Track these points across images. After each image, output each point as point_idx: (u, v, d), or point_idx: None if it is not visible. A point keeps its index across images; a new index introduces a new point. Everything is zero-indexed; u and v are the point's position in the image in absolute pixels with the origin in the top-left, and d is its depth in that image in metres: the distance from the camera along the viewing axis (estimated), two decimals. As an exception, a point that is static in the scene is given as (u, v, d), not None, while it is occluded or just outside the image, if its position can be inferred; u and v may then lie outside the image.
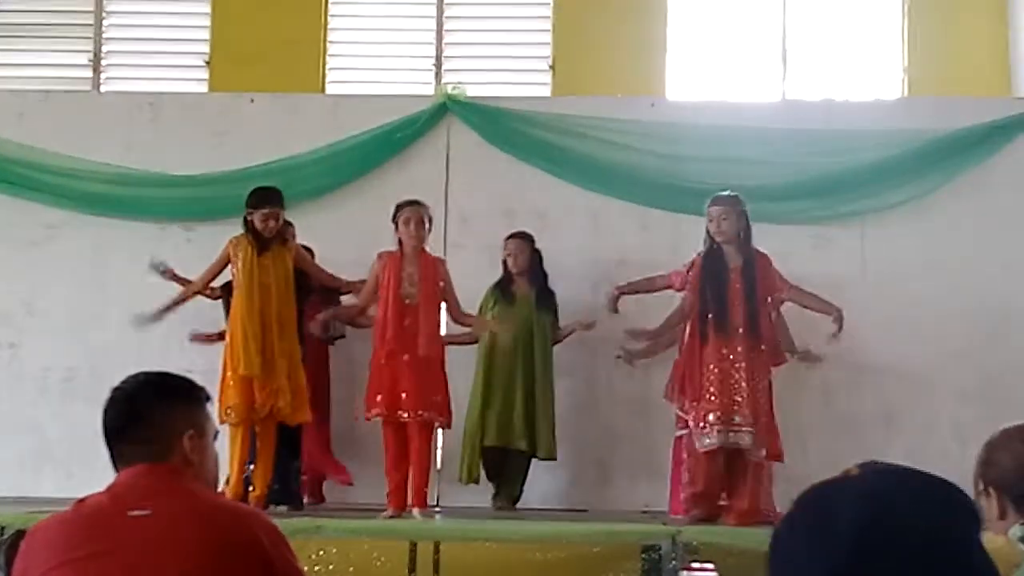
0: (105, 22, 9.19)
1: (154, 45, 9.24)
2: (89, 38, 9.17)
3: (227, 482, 5.98)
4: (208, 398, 2.58)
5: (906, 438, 7.01)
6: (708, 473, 5.87)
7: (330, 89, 8.96)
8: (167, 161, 7.50)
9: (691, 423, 5.94)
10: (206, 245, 6.67)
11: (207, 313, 6.71)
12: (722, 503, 5.89)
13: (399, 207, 6.20)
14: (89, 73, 9.11)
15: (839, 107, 7.79)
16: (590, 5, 8.92)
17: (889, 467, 1.44)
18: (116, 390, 2.51)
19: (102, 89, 9.02)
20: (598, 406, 7.17)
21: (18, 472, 7.18)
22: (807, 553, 1.38)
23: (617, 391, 7.06)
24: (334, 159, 7.48)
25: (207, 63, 9.10)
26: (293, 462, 6.47)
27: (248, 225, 6.20)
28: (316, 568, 5.65)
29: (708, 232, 6.04)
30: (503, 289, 6.81)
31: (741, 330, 5.86)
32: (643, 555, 5.33)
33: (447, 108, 7.49)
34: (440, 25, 9.07)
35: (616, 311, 6.40)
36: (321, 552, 5.72)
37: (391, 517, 5.95)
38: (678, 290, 6.22)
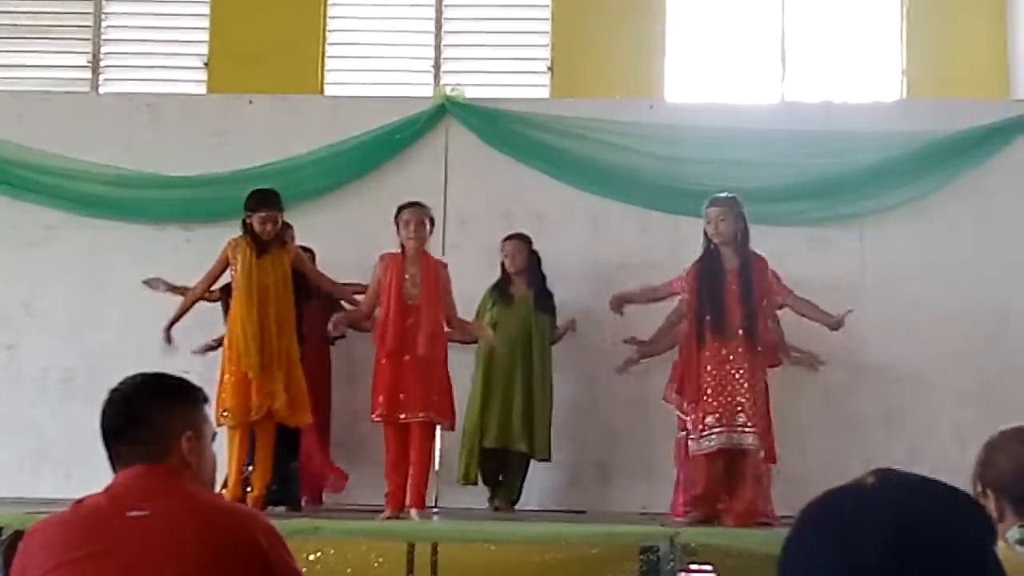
0: (104, 23, 9.20)
1: (153, 46, 9.25)
2: (88, 39, 9.17)
3: (225, 484, 5.98)
4: (206, 399, 2.58)
5: (905, 439, 7.00)
6: (708, 475, 5.87)
7: (329, 90, 8.96)
8: (166, 162, 7.50)
9: (690, 426, 5.95)
10: (205, 246, 6.66)
11: (206, 315, 6.71)
12: (721, 506, 5.88)
13: (400, 209, 6.20)
14: (88, 74, 9.12)
15: (838, 109, 7.79)
16: (589, 7, 8.93)
17: (906, 477, 1.42)
18: (114, 391, 2.51)
19: (101, 90, 9.02)
20: (597, 407, 7.17)
21: (17, 473, 7.18)
22: (822, 564, 1.36)
23: (616, 392, 7.05)
24: (333, 160, 7.48)
25: (206, 64, 9.11)
26: (291, 463, 6.47)
27: (247, 227, 6.20)
28: (314, 569, 5.64)
29: (705, 234, 6.05)
30: (501, 290, 6.82)
31: (739, 332, 5.86)
32: (641, 556, 5.33)
33: (446, 109, 7.49)
34: (439, 27, 9.08)
35: (621, 314, 6.40)
36: (319, 553, 5.72)
37: (388, 518, 5.95)
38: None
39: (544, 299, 6.84)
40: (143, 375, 2.56)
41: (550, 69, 8.94)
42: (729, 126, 7.41)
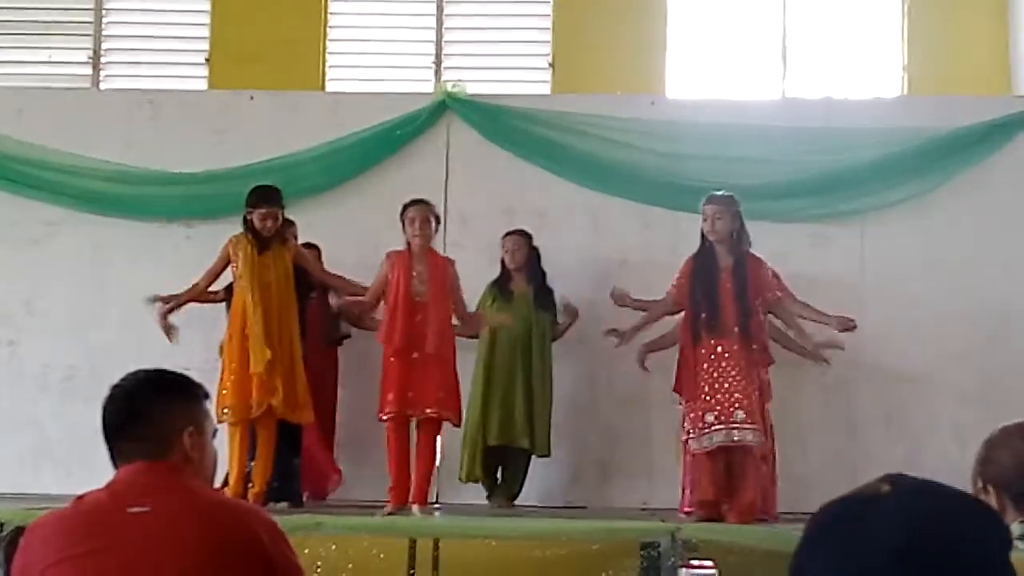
0: (105, 19, 9.19)
1: (154, 43, 9.23)
2: (89, 35, 9.17)
3: (226, 482, 5.98)
4: (207, 395, 2.58)
5: (906, 439, 7.00)
6: (711, 476, 5.86)
7: (330, 87, 8.96)
8: (167, 159, 7.49)
9: (688, 424, 5.95)
10: (206, 243, 6.66)
11: (208, 312, 6.71)
12: (726, 507, 5.86)
13: (405, 206, 6.22)
14: (89, 70, 9.11)
15: (839, 105, 7.79)
16: (590, 3, 8.92)
17: (921, 486, 1.42)
18: (115, 387, 2.51)
19: (102, 86, 9.02)
20: (598, 404, 7.17)
21: (18, 470, 7.18)
22: (831, 568, 1.36)
23: (617, 389, 7.06)
24: (334, 157, 7.47)
25: (207, 60, 9.10)
26: (294, 460, 6.47)
27: (247, 224, 6.20)
28: (316, 565, 5.66)
29: (702, 231, 6.06)
30: (501, 286, 6.82)
31: (734, 329, 5.86)
32: (642, 552, 5.34)
33: (447, 106, 7.49)
34: (440, 23, 9.07)
35: (627, 305, 6.39)
36: (320, 549, 5.73)
37: (391, 513, 5.95)
38: None
39: (544, 295, 6.85)
40: (144, 371, 2.56)
41: (551, 65, 8.94)
42: (730, 122, 7.40)
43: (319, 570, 5.80)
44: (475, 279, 6.69)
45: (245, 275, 6.12)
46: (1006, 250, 7.15)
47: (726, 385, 5.81)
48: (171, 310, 6.34)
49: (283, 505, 6.21)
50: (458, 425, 6.32)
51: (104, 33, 9.17)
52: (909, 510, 1.37)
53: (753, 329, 5.90)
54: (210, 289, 6.50)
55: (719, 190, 6.16)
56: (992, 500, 2.44)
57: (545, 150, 7.43)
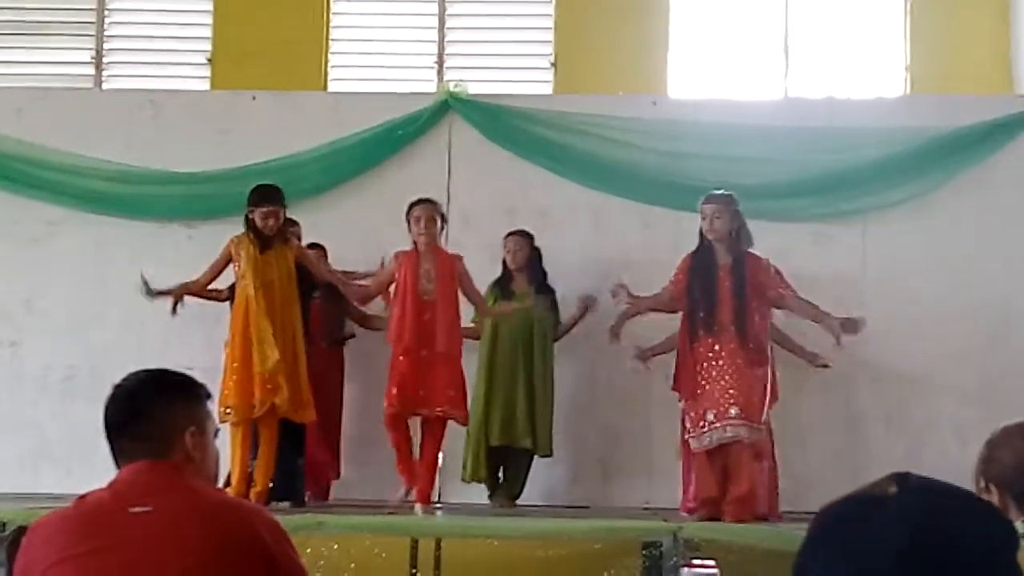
0: (107, 19, 9.19)
1: (156, 43, 9.23)
2: (91, 35, 9.17)
3: (228, 482, 5.98)
4: (209, 395, 2.59)
5: (906, 438, 7.00)
6: (711, 475, 5.87)
7: (332, 87, 8.96)
8: (168, 159, 7.50)
9: (689, 424, 5.95)
10: (207, 243, 6.66)
11: (209, 311, 6.72)
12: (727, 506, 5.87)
13: (411, 205, 6.24)
14: (91, 70, 9.12)
15: (841, 105, 7.79)
16: (592, 3, 8.92)
17: (927, 486, 1.41)
18: (117, 387, 2.52)
19: (104, 86, 9.02)
20: (599, 403, 7.17)
21: (18, 470, 7.18)
22: (840, 571, 1.36)
23: (618, 389, 7.05)
24: (335, 157, 7.47)
25: (209, 61, 9.10)
26: (298, 459, 6.47)
27: (249, 223, 6.20)
28: (318, 564, 5.66)
29: (700, 230, 6.06)
30: (503, 286, 6.82)
31: (732, 327, 5.87)
32: (644, 552, 5.34)
33: (449, 106, 7.49)
34: (442, 23, 9.07)
35: (627, 298, 6.39)
36: (323, 549, 5.73)
37: (407, 493, 5.96)
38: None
39: (545, 295, 6.84)
40: (146, 371, 2.56)
41: (553, 65, 8.93)
42: (732, 122, 7.40)
43: (321, 569, 5.80)
44: (477, 279, 6.67)
45: (247, 274, 6.12)
46: (1008, 249, 7.15)
47: (722, 383, 5.82)
48: (161, 295, 6.36)
49: (285, 505, 6.21)
50: (465, 423, 6.33)
51: (106, 33, 9.17)
52: (915, 511, 1.36)
53: (750, 327, 5.90)
54: (213, 287, 6.51)
55: (716, 190, 6.17)
56: (994, 499, 2.45)
57: (547, 150, 7.43)
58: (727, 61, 9.00)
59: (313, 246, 6.72)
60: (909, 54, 8.87)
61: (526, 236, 6.88)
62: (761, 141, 7.30)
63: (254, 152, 7.39)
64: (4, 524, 5.28)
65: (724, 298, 5.91)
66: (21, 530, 4.46)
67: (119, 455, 2.48)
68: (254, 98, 7.69)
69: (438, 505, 6.72)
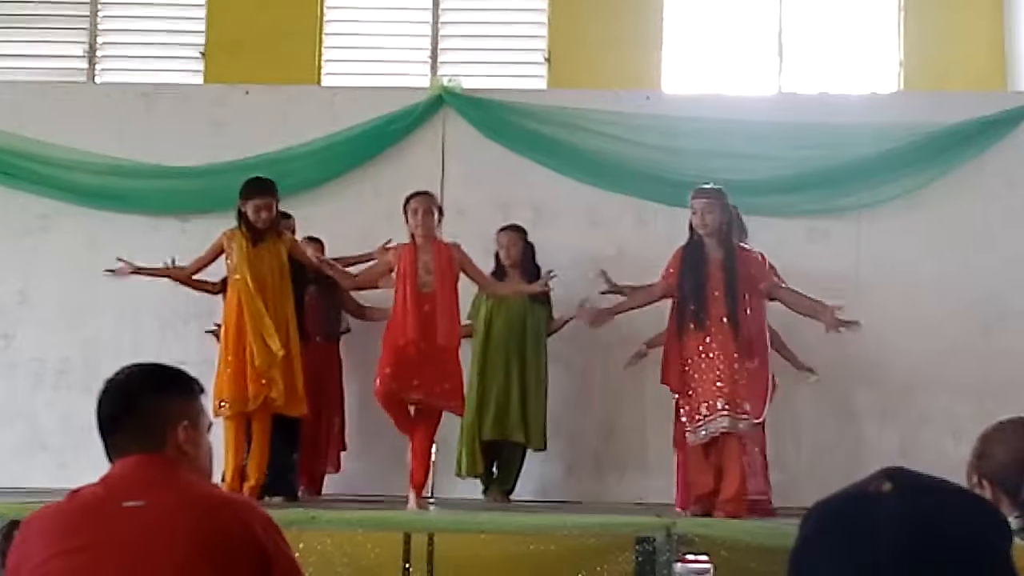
0: (100, 13, 9.17)
1: (149, 36, 9.22)
2: (85, 29, 9.15)
3: (223, 478, 5.97)
4: (202, 390, 2.59)
5: (900, 433, 7.01)
6: (706, 470, 5.87)
7: (326, 81, 8.94)
8: (162, 153, 7.48)
9: (685, 418, 5.96)
10: (201, 237, 6.65)
11: (203, 306, 6.71)
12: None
13: (408, 198, 6.24)
14: (84, 64, 9.10)
15: (835, 101, 7.80)
16: (586, -2, 8.92)
17: (922, 483, 1.41)
18: (110, 381, 2.51)
19: (97, 80, 9.00)
20: (592, 399, 7.17)
21: (11, 462, 7.16)
22: (830, 564, 1.36)
23: (611, 384, 7.06)
24: (329, 151, 7.46)
25: (202, 54, 9.08)
26: (293, 454, 6.46)
27: (241, 216, 6.19)
28: (310, 559, 5.65)
29: (691, 225, 6.06)
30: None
31: (722, 320, 5.87)
32: (637, 547, 5.34)
33: (443, 100, 7.48)
34: (436, 17, 9.06)
35: (617, 288, 6.39)
36: (315, 543, 5.73)
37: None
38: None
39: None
40: (139, 365, 2.56)
41: (547, 60, 8.93)
42: (726, 118, 7.40)
43: (314, 564, 5.80)
44: (471, 274, 6.69)
45: (240, 268, 6.11)
46: (1001, 245, 7.16)
47: (711, 376, 5.83)
48: (141, 270, 6.40)
49: (278, 499, 6.20)
50: (462, 414, 6.34)
51: (99, 27, 9.15)
52: (910, 509, 1.36)
53: (742, 321, 5.90)
54: (203, 278, 6.49)
55: (705, 184, 6.16)
56: (987, 494, 2.45)
57: (541, 145, 7.42)
58: (721, 57, 9.01)
59: (310, 240, 6.71)
60: (903, 50, 8.88)
61: (519, 231, 6.88)
62: (755, 137, 7.30)
63: (247, 146, 7.37)
64: (-3, 518, 5.27)
65: (715, 292, 5.92)
66: (14, 524, 4.46)
67: (112, 449, 2.48)
68: (247, 92, 7.67)
69: (431, 500, 6.72)
